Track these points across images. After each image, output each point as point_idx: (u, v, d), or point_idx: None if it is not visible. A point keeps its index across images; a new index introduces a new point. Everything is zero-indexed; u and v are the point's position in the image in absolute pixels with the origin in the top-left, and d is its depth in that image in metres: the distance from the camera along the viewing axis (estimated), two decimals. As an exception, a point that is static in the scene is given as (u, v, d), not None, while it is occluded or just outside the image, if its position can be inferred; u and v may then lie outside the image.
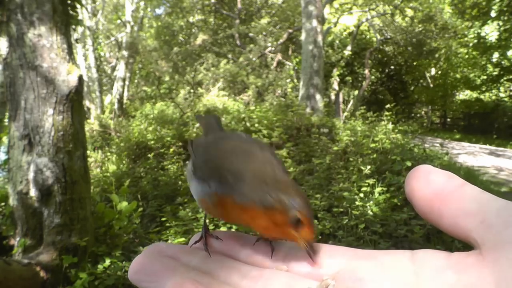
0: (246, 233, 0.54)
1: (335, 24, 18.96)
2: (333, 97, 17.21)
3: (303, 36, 10.12)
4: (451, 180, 0.36)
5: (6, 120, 3.81)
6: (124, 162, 7.04)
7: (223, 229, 3.29)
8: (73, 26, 3.97)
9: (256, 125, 7.47)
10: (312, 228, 0.48)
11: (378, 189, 4.75)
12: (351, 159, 5.68)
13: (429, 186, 0.36)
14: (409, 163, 5.03)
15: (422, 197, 0.37)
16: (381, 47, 20.03)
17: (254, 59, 15.52)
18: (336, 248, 0.45)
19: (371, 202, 4.46)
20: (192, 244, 0.54)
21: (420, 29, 18.13)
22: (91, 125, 10.36)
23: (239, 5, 17.57)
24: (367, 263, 0.40)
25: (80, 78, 3.16)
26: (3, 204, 3.72)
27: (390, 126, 7.09)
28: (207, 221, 0.62)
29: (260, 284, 0.42)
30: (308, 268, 0.45)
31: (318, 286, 0.40)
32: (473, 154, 11.43)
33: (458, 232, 0.34)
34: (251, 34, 16.53)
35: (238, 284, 0.42)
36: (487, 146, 13.89)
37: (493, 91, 20.07)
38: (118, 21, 20.68)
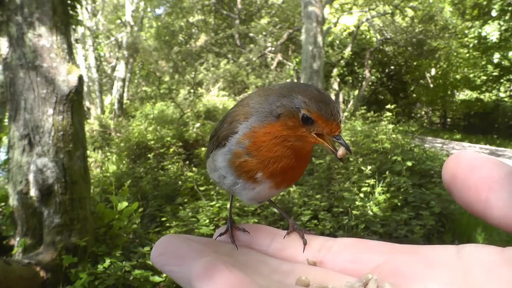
0: (275, 227, 0.51)
1: (335, 24, 18.96)
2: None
3: (303, 36, 10.12)
4: (500, 166, 0.32)
5: (6, 120, 3.80)
6: (124, 162, 7.04)
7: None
8: (73, 26, 3.97)
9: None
10: (331, 120, 0.46)
11: (378, 189, 4.74)
12: (351, 159, 5.67)
13: (474, 173, 0.32)
14: (409, 163, 5.02)
15: (466, 185, 0.33)
16: (381, 47, 20.02)
17: (254, 59, 15.52)
18: (372, 242, 0.42)
19: (371, 202, 4.45)
20: (217, 237, 0.51)
21: (420, 29, 18.11)
22: (91, 125, 10.36)
23: (239, 5, 17.57)
24: (409, 259, 0.36)
25: (80, 78, 3.16)
26: (3, 204, 3.72)
27: (391, 126, 7.08)
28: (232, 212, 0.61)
29: (291, 279, 0.40)
30: (343, 263, 0.41)
31: (358, 281, 0.37)
32: (473, 154, 11.37)
33: (510, 223, 0.30)
34: (251, 34, 16.52)
35: (269, 278, 0.40)
36: (488, 146, 13.87)
37: (493, 91, 20.04)
38: (118, 21, 20.68)
